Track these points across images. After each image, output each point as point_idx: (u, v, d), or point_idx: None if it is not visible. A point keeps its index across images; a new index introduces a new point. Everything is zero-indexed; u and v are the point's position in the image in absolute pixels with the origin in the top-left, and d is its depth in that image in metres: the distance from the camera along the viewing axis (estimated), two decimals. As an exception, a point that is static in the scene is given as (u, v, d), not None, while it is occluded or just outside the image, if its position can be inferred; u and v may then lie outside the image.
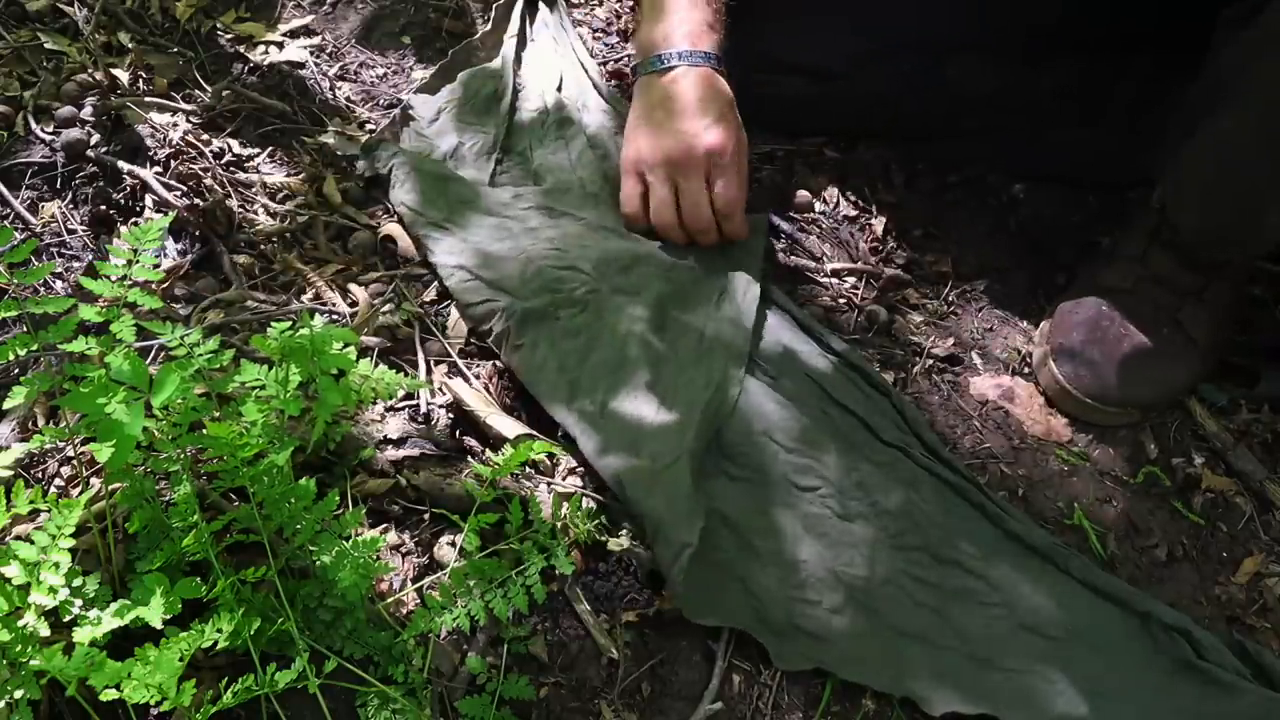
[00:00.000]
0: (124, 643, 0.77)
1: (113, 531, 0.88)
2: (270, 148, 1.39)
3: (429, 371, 1.15)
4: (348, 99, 1.51)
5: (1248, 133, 1.08)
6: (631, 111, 1.24)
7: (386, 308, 1.19)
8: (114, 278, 0.87)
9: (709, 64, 1.19)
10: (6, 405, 0.84)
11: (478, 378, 1.15)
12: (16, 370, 1.06)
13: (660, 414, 1.06)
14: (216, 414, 0.88)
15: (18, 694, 0.73)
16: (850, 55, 1.34)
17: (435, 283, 1.23)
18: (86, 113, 1.32)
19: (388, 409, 1.09)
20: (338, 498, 0.88)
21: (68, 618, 0.80)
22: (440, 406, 1.10)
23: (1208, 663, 0.98)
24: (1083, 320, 1.24)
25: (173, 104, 1.40)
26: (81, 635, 0.75)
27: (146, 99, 1.38)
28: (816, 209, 1.40)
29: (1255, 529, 1.16)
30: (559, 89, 1.45)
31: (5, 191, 1.24)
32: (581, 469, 1.07)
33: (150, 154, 1.31)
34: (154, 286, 1.15)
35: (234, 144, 1.37)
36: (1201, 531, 1.15)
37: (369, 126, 1.46)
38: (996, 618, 1.01)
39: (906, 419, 1.14)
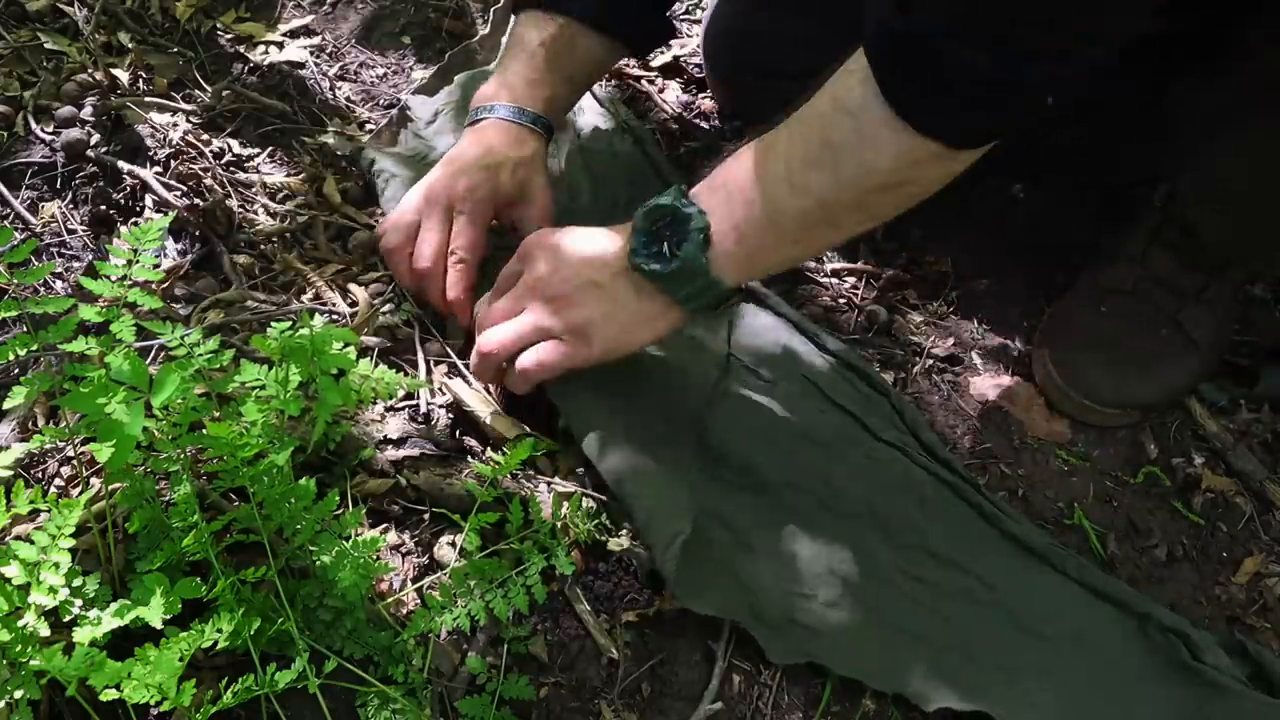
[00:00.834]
0: (124, 643, 0.77)
1: (113, 531, 0.88)
2: (270, 148, 1.39)
3: (429, 371, 1.15)
4: (348, 99, 1.51)
5: None
6: None
7: (386, 308, 1.19)
8: (114, 278, 0.87)
9: (506, 117, 1.17)
10: (6, 405, 0.84)
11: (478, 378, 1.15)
12: (16, 370, 1.06)
13: (657, 416, 1.07)
14: (216, 414, 0.88)
15: (18, 694, 0.73)
16: (848, 56, 1.34)
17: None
18: (86, 113, 1.32)
19: (388, 409, 1.09)
20: (338, 498, 0.88)
21: (68, 618, 0.80)
22: (440, 406, 1.10)
23: (1204, 665, 0.98)
24: (1083, 321, 1.24)
25: (173, 104, 1.40)
26: (81, 635, 0.75)
27: (146, 99, 1.38)
28: (816, 209, 1.40)
29: (1255, 529, 1.17)
30: None
31: (5, 191, 1.24)
32: (581, 469, 1.07)
33: (150, 154, 1.31)
34: (154, 286, 1.15)
35: (234, 144, 1.37)
36: (1201, 531, 1.15)
37: (369, 126, 1.46)
38: (993, 618, 1.01)
39: (905, 419, 1.14)
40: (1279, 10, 0.96)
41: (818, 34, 1.36)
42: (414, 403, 1.10)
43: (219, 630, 0.76)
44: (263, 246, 1.26)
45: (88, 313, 0.85)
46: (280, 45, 1.55)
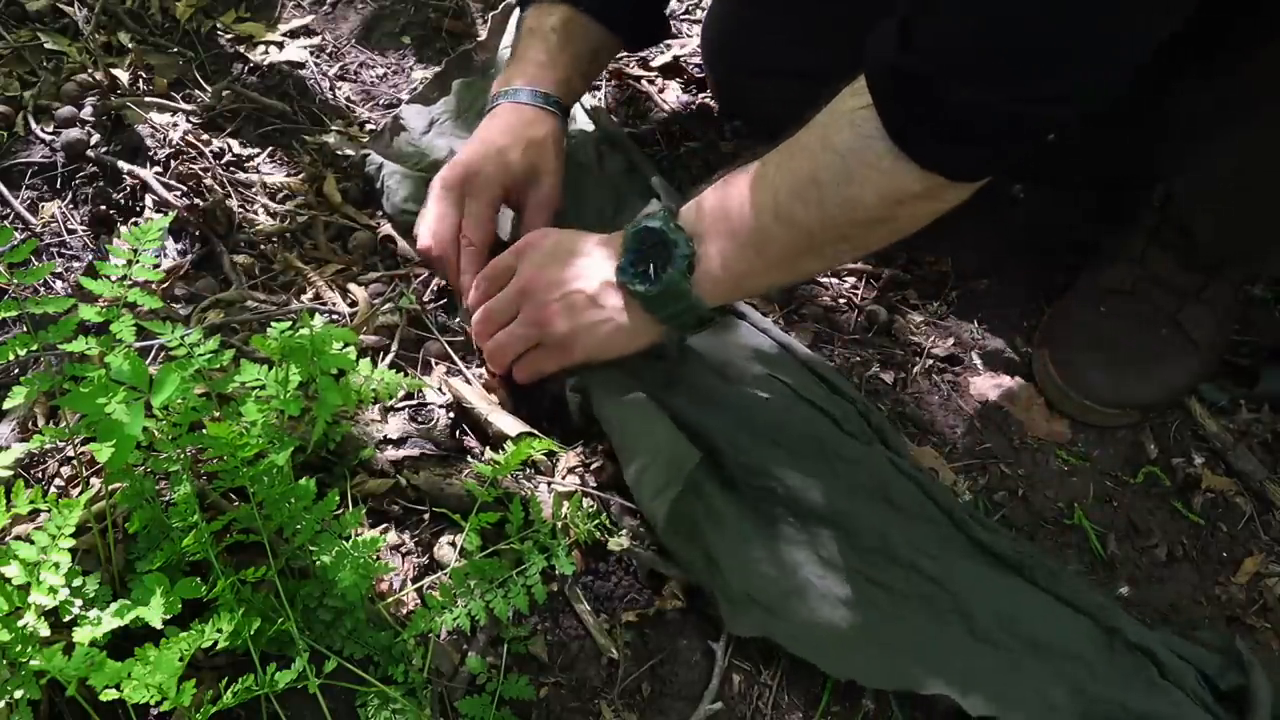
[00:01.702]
0: (124, 643, 0.77)
1: (113, 531, 0.88)
2: (270, 148, 1.40)
3: (429, 371, 1.15)
4: (348, 99, 1.51)
5: None
6: None
7: (386, 307, 1.19)
8: (114, 278, 0.87)
9: (518, 99, 1.19)
10: (6, 405, 0.84)
11: (478, 377, 1.15)
12: (16, 370, 1.06)
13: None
14: (216, 414, 0.88)
15: (18, 694, 0.73)
16: (847, 56, 1.34)
17: (434, 282, 1.23)
18: (86, 113, 1.32)
19: (388, 409, 1.09)
20: (338, 498, 0.88)
21: (68, 618, 0.80)
22: (440, 406, 1.10)
23: (1169, 684, 0.96)
24: (1082, 321, 1.24)
25: (173, 104, 1.40)
26: (81, 635, 0.75)
27: (146, 99, 1.38)
28: (816, 209, 1.40)
29: (1255, 529, 1.17)
30: None
31: (5, 191, 1.24)
32: (581, 468, 1.07)
33: (150, 154, 1.31)
34: (154, 286, 1.15)
35: (234, 144, 1.37)
36: (1201, 531, 1.15)
37: (369, 126, 1.46)
38: (950, 624, 0.99)
39: (871, 423, 1.12)
40: (1274, 12, 0.97)
41: (815, 33, 1.36)
42: (414, 403, 1.10)
43: (219, 630, 0.76)
44: (263, 246, 1.26)
45: (88, 313, 0.85)
46: (280, 45, 1.55)
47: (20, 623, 0.75)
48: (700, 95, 1.60)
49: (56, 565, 0.78)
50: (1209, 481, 1.18)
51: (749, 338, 1.16)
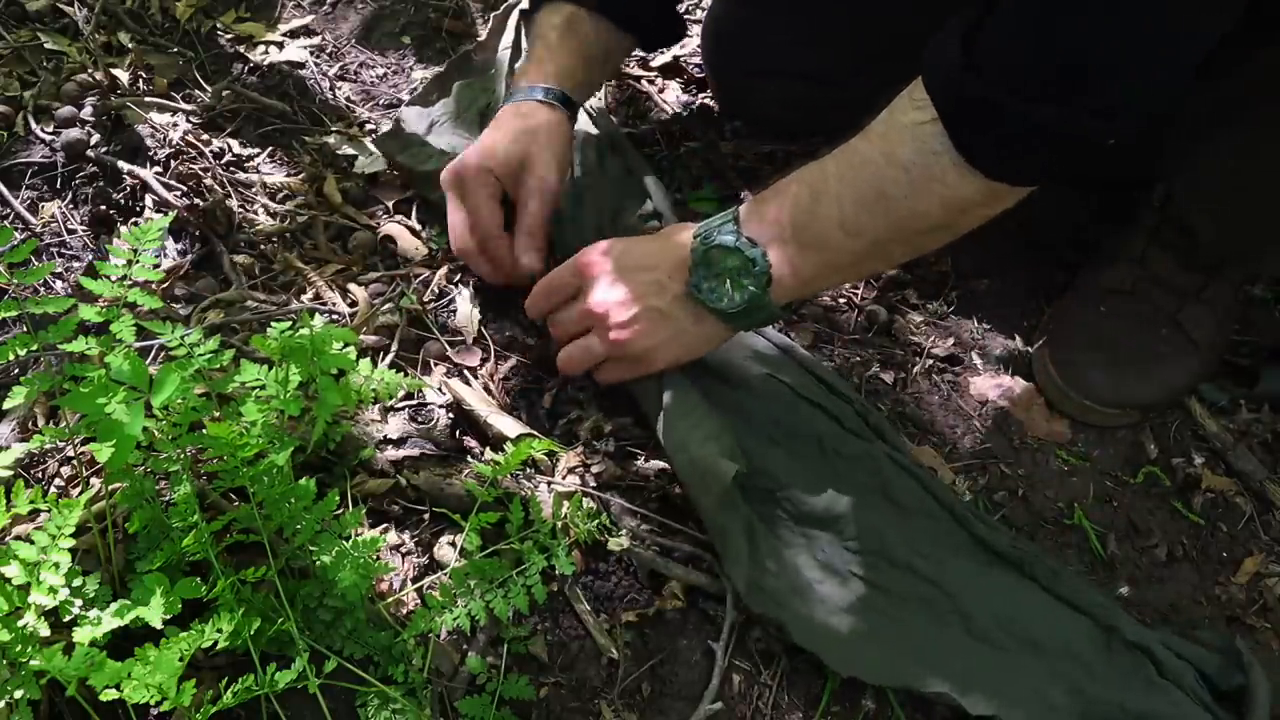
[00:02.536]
0: (124, 643, 0.77)
1: (113, 531, 0.88)
2: (270, 148, 1.40)
3: (429, 371, 1.15)
4: (348, 99, 1.51)
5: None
6: None
7: (386, 308, 1.19)
8: (114, 278, 0.87)
9: (523, 97, 1.20)
10: (6, 405, 0.84)
11: (478, 377, 1.15)
12: (16, 370, 1.06)
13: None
14: (216, 414, 0.88)
15: (18, 694, 0.73)
16: (847, 57, 1.34)
17: (434, 282, 1.23)
18: (86, 113, 1.32)
19: (388, 409, 1.09)
20: (338, 498, 0.88)
21: (68, 618, 0.80)
22: (440, 406, 1.10)
23: (1168, 682, 0.96)
24: (1083, 321, 1.24)
25: (173, 104, 1.40)
26: (81, 635, 0.75)
27: (146, 99, 1.38)
28: (816, 209, 1.40)
29: (1255, 529, 1.16)
30: None
31: (5, 191, 1.24)
32: (581, 468, 1.07)
33: (150, 154, 1.31)
34: (154, 286, 1.15)
35: (234, 144, 1.37)
36: (1201, 531, 1.15)
37: (369, 126, 1.46)
38: (947, 625, 0.99)
39: (869, 424, 1.12)
40: (1273, 14, 0.97)
41: (816, 34, 1.37)
42: (414, 403, 1.10)
43: (219, 630, 0.76)
44: (263, 246, 1.26)
45: (88, 313, 0.85)
46: (280, 45, 1.56)
47: (20, 623, 0.75)
48: (700, 95, 1.60)
49: (56, 565, 0.78)
50: (1209, 481, 1.18)
51: (748, 340, 1.16)
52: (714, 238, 1.01)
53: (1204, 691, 0.96)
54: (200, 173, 1.30)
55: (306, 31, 1.59)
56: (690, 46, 1.66)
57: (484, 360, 1.17)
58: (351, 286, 1.22)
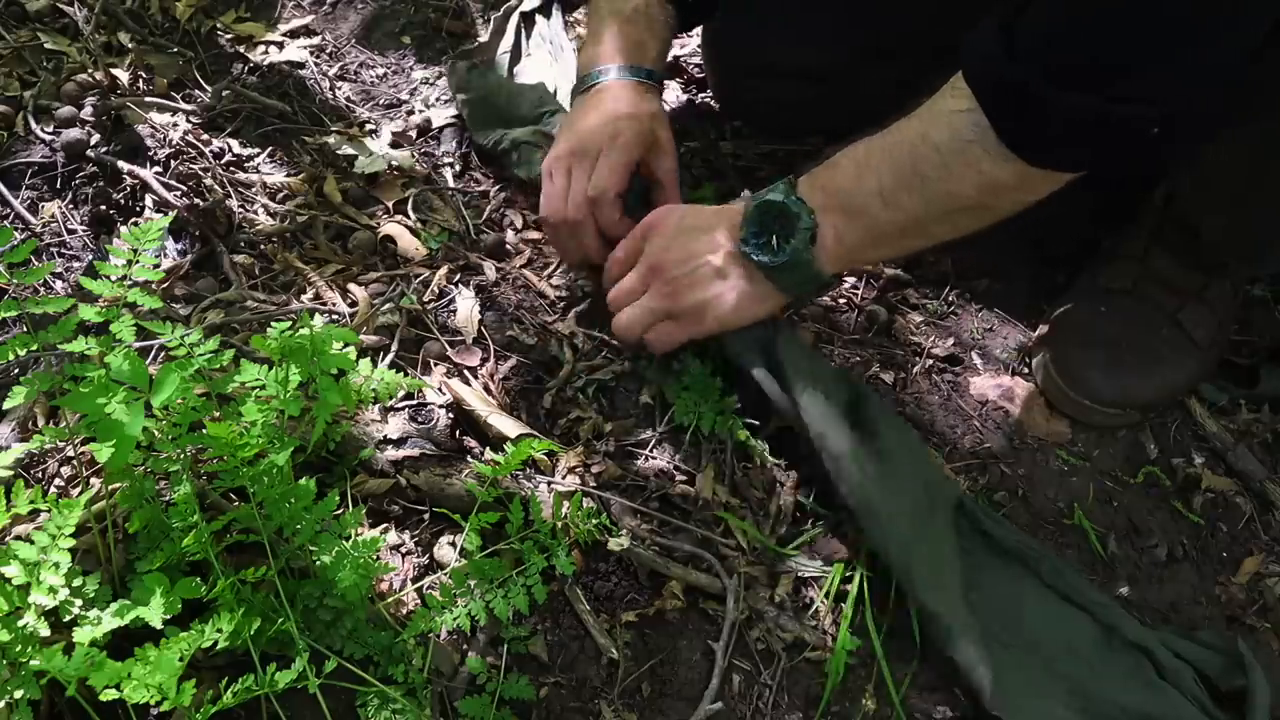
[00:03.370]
0: (124, 643, 0.77)
1: (113, 531, 0.88)
2: (270, 148, 1.40)
3: (429, 371, 1.15)
4: (348, 99, 1.51)
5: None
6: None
7: (386, 308, 1.19)
8: (114, 278, 0.87)
9: (624, 76, 1.22)
10: (6, 405, 0.84)
11: (478, 377, 1.15)
12: (16, 370, 1.06)
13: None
14: (216, 414, 0.88)
15: (18, 694, 0.73)
16: (847, 57, 1.34)
17: (435, 282, 1.23)
18: (86, 113, 1.32)
19: (388, 409, 1.09)
20: (338, 498, 0.88)
21: (68, 618, 0.80)
22: (440, 406, 1.10)
23: (1166, 684, 0.96)
24: (1083, 320, 1.24)
25: (173, 104, 1.40)
26: (81, 635, 0.75)
27: (146, 99, 1.38)
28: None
29: (1255, 529, 1.16)
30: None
31: (5, 191, 1.24)
32: (581, 468, 1.07)
33: (150, 154, 1.31)
34: (154, 286, 1.15)
35: (234, 144, 1.37)
36: (1201, 531, 1.15)
37: (369, 127, 1.46)
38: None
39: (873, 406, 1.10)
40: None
41: (817, 34, 1.36)
42: (414, 403, 1.10)
43: (219, 630, 0.76)
44: (263, 246, 1.26)
45: (88, 313, 0.85)
46: (280, 45, 1.56)
47: (20, 623, 0.75)
48: (700, 95, 1.60)
49: (56, 565, 0.78)
50: (1209, 481, 1.18)
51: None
52: (765, 194, 1.05)
53: (1203, 693, 0.96)
54: (200, 173, 1.30)
55: (306, 31, 1.59)
56: (690, 46, 1.66)
57: (484, 360, 1.17)
58: (351, 286, 1.22)
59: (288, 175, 1.36)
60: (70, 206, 1.26)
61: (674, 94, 1.59)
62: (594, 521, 0.98)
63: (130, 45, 1.47)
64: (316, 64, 1.53)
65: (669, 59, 1.63)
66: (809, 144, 1.47)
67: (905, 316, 1.31)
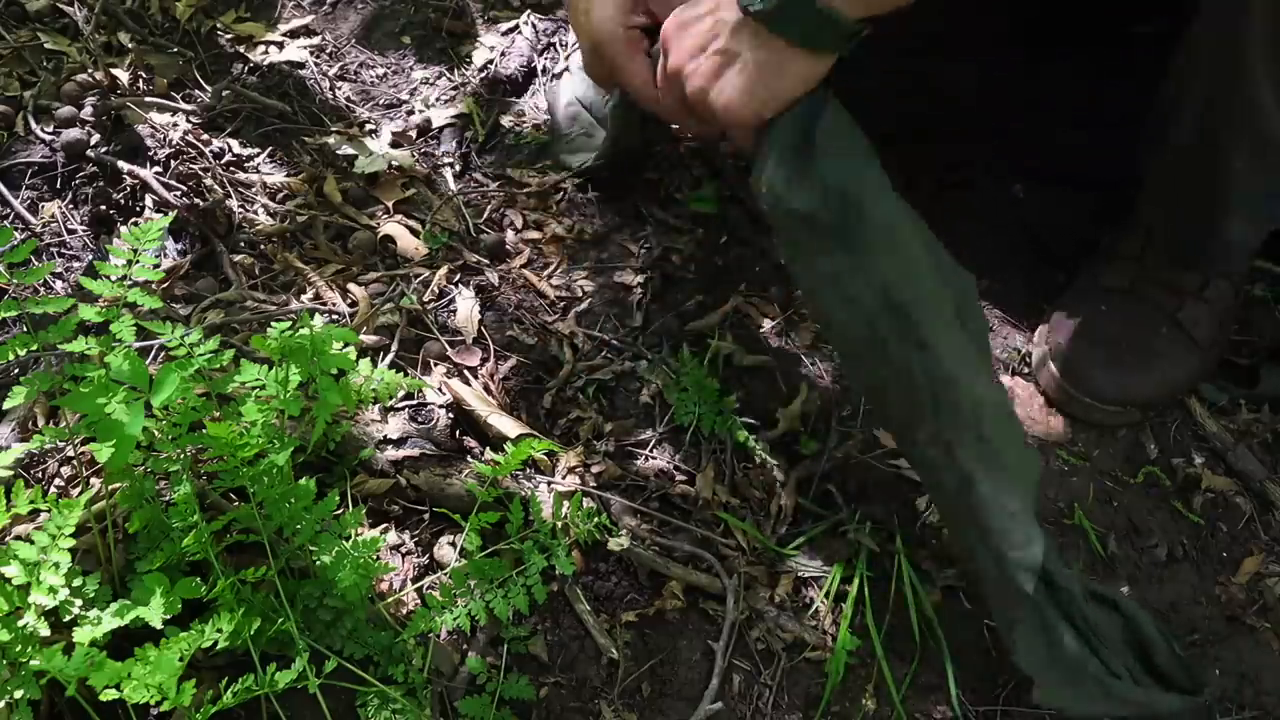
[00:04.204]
0: (124, 643, 0.77)
1: (113, 531, 0.88)
2: (270, 148, 1.39)
3: (429, 371, 1.15)
4: (348, 99, 1.51)
5: (1192, 149, 1.10)
6: None
7: (386, 307, 1.19)
8: (114, 278, 0.87)
9: None
10: (6, 405, 0.84)
11: (478, 377, 1.15)
12: (16, 370, 1.06)
13: None
14: (216, 414, 0.88)
15: (18, 694, 0.73)
16: (851, 60, 1.34)
17: (434, 282, 1.23)
18: (86, 113, 1.32)
19: (388, 409, 1.09)
20: (338, 498, 0.88)
21: (68, 618, 0.80)
22: (440, 406, 1.10)
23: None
24: (1082, 320, 1.24)
25: (173, 104, 1.40)
26: (81, 635, 0.75)
27: (146, 99, 1.38)
28: (816, 209, 1.40)
29: (1255, 529, 1.16)
30: None
31: (5, 191, 1.24)
32: (581, 468, 1.07)
33: (150, 154, 1.31)
34: (154, 286, 1.15)
35: (234, 144, 1.37)
36: (1201, 531, 1.15)
37: (369, 127, 1.46)
38: None
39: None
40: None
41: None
42: (414, 403, 1.10)
43: (219, 630, 0.76)
44: (263, 246, 1.26)
45: (88, 313, 0.85)
46: (280, 45, 1.55)
47: (20, 623, 0.75)
48: (700, 95, 1.60)
49: (56, 565, 0.78)
50: (1209, 481, 1.18)
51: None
52: None
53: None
54: (200, 173, 1.30)
55: (306, 31, 1.59)
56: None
57: (484, 360, 1.17)
58: (351, 286, 1.22)
59: (288, 175, 1.36)
60: (70, 206, 1.26)
61: (674, 94, 1.59)
62: (594, 521, 0.98)
63: (130, 45, 1.47)
64: (316, 64, 1.53)
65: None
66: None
67: (905, 316, 1.31)
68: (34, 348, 0.83)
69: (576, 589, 0.98)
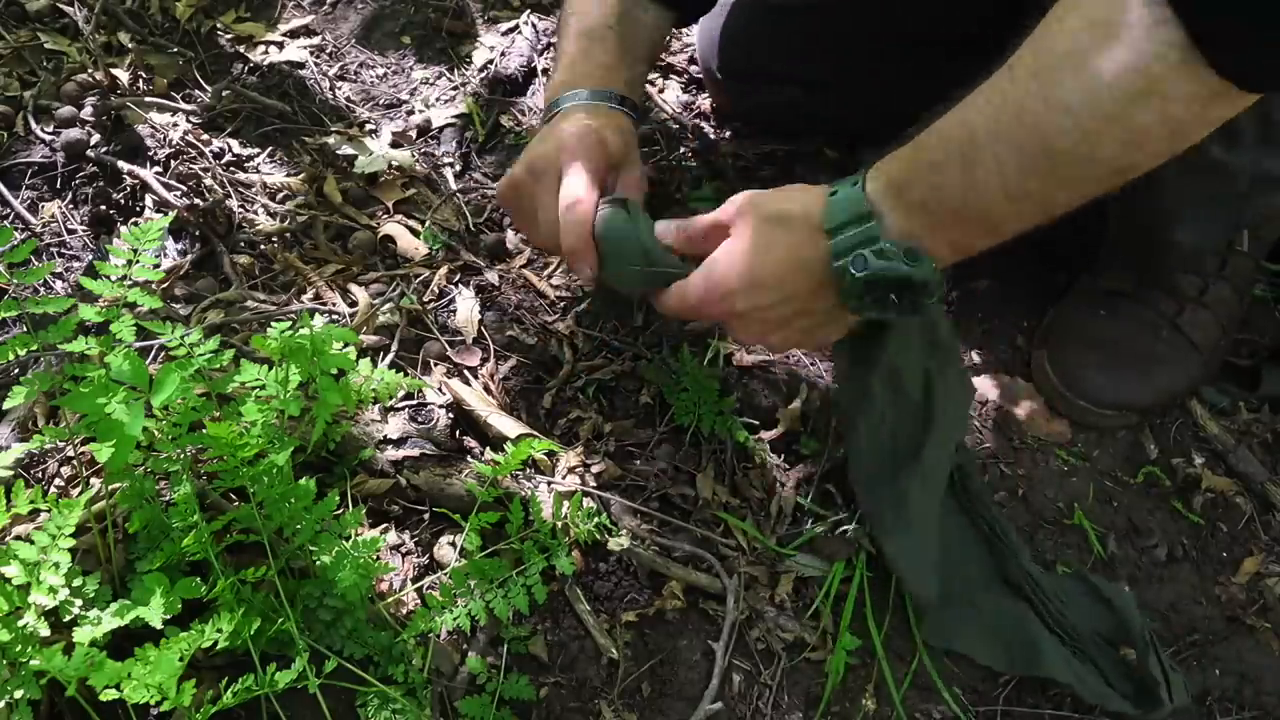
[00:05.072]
0: (124, 643, 0.77)
1: (113, 531, 0.88)
2: (270, 148, 1.39)
3: (429, 371, 1.15)
4: (348, 99, 1.51)
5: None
6: None
7: (386, 307, 1.19)
8: (114, 278, 0.87)
9: (589, 101, 1.08)
10: (6, 405, 0.84)
11: (478, 377, 1.15)
12: (16, 370, 1.06)
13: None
14: (216, 414, 0.88)
15: (18, 694, 0.73)
16: (845, 59, 1.34)
17: (434, 282, 1.23)
18: (86, 113, 1.32)
19: (388, 409, 1.09)
20: (338, 498, 0.88)
21: (68, 618, 0.80)
22: (440, 406, 1.10)
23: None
24: (1082, 322, 1.24)
25: (173, 104, 1.40)
26: (81, 635, 0.75)
27: (146, 99, 1.38)
28: (816, 209, 1.39)
29: (1255, 529, 1.16)
30: None
31: (5, 191, 1.24)
32: (581, 468, 1.07)
33: (150, 154, 1.31)
34: (154, 286, 1.15)
35: (234, 144, 1.37)
36: (1201, 531, 1.15)
37: (369, 126, 1.46)
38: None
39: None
40: None
41: (825, 42, 1.36)
42: (414, 403, 1.10)
43: (219, 630, 0.76)
44: (263, 246, 1.26)
45: (88, 313, 0.85)
46: (280, 45, 1.55)
47: (20, 623, 0.75)
48: (700, 95, 1.60)
49: (56, 565, 0.78)
50: (1209, 482, 1.18)
51: None
52: (866, 263, 0.88)
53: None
54: (200, 173, 1.30)
55: (306, 31, 1.59)
56: (689, 44, 1.66)
57: (484, 360, 1.17)
58: (351, 286, 1.22)
59: (288, 175, 1.36)
60: (70, 206, 1.26)
61: (674, 94, 1.59)
62: (594, 521, 0.98)
63: (130, 45, 1.47)
64: (316, 64, 1.53)
65: (665, 62, 1.63)
66: (809, 144, 1.47)
67: (905, 317, 1.31)
68: (34, 348, 0.83)
69: (576, 589, 0.98)
